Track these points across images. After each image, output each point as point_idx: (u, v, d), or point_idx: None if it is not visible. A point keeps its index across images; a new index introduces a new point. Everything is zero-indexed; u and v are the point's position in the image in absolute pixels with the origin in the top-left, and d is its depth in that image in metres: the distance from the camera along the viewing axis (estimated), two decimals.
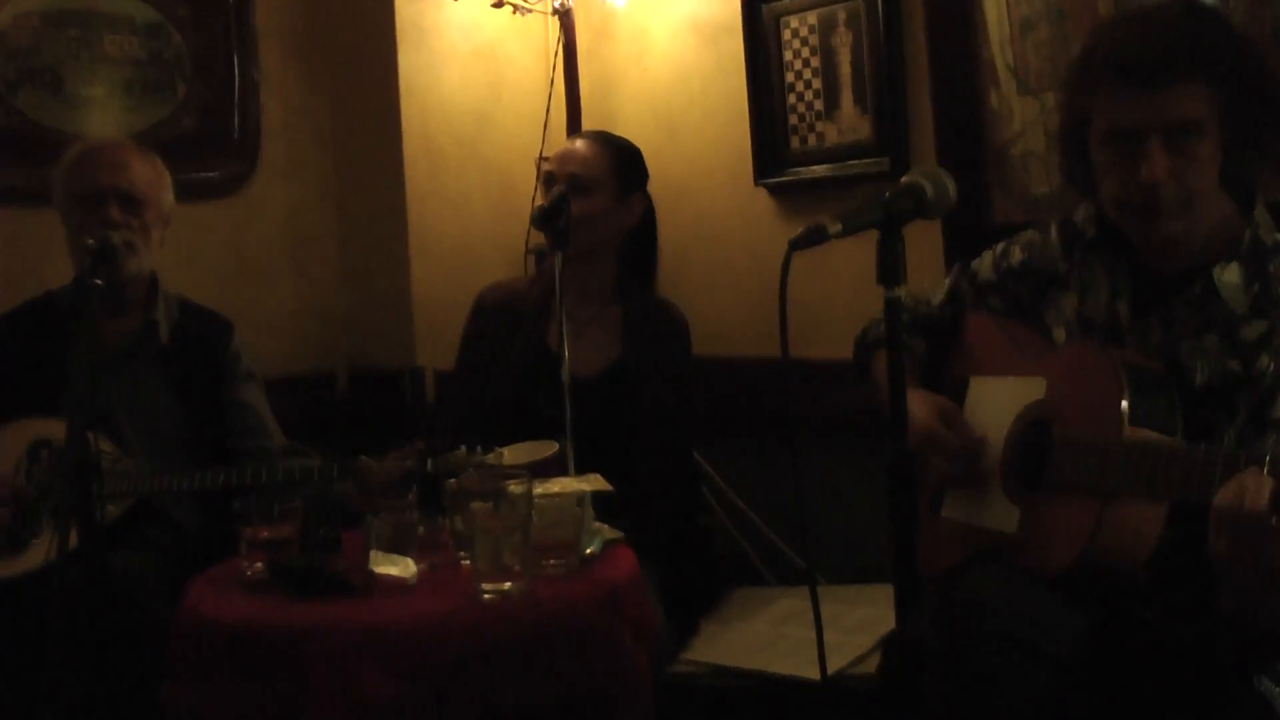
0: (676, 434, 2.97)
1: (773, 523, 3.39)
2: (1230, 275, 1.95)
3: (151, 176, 2.85)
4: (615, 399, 2.85)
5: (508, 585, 2.03)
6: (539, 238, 3.17)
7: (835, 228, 1.60)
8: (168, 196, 2.89)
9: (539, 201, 2.96)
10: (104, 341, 2.79)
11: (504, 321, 3.03)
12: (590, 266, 2.93)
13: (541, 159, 3.58)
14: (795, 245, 1.60)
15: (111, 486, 2.61)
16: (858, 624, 2.59)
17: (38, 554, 2.57)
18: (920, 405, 2.15)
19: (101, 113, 3.41)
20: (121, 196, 2.77)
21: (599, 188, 2.96)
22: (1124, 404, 1.88)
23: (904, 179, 1.68)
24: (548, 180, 2.97)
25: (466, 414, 2.95)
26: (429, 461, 2.52)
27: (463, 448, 2.52)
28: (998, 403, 2.15)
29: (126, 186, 2.78)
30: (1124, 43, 1.95)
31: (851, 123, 3.16)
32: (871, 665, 2.44)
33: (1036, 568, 1.95)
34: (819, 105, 3.22)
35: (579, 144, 3.04)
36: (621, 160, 3.03)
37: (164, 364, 2.87)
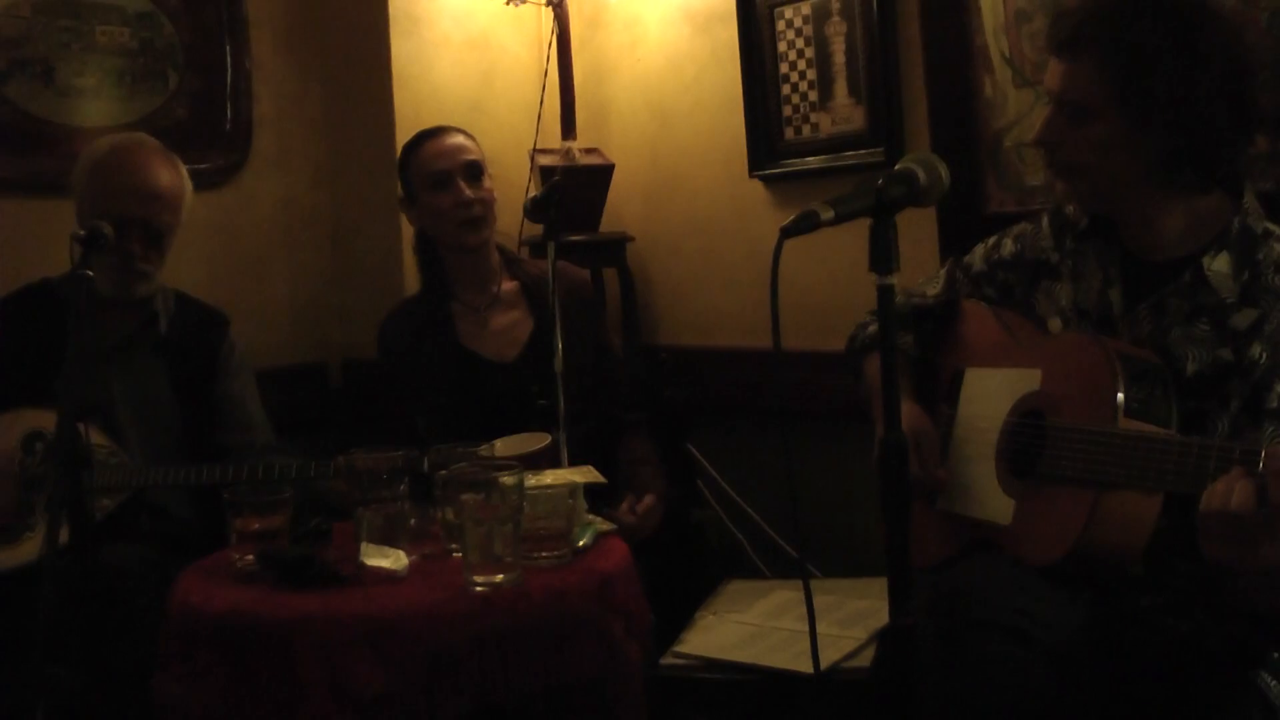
0: (613, 380, 3.00)
1: (767, 514, 3.39)
2: (1220, 264, 1.95)
3: (179, 199, 2.84)
4: (542, 370, 2.82)
5: (499, 576, 2.02)
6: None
7: (828, 214, 1.59)
8: (188, 207, 2.89)
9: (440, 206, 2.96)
10: (104, 331, 2.78)
11: (413, 338, 3.02)
12: (479, 254, 2.93)
13: (536, 151, 3.57)
14: (787, 232, 1.59)
15: (104, 480, 2.61)
16: (852, 616, 2.59)
17: (32, 546, 2.57)
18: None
19: (93, 103, 3.40)
20: (147, 230, 2.77)
21: (484, 170, 2.98)
22: (1119, 395, 1.87)
23: (897, 165, 1.67)
24: (442, 180, 2.95)
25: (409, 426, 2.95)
26: (424, 460, 2.53)
27: (457, 444, 2.53)
28: (993, 393, 2.15)
29: (155, 221, 2.79)
30: (1066, 11, 2.06)
31: (846, 113, 3.14)
32: (866, 658, 2.43)
33: (1031, 558, 1.94)
34: (813, 95, 3.21)
35: (454, 136, 3.03)
36: (477, 142, 3.07)
37: (161, 356, 2.87)
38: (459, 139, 3.02)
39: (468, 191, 2.92)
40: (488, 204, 2.95)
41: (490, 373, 2.91)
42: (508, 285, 3.02)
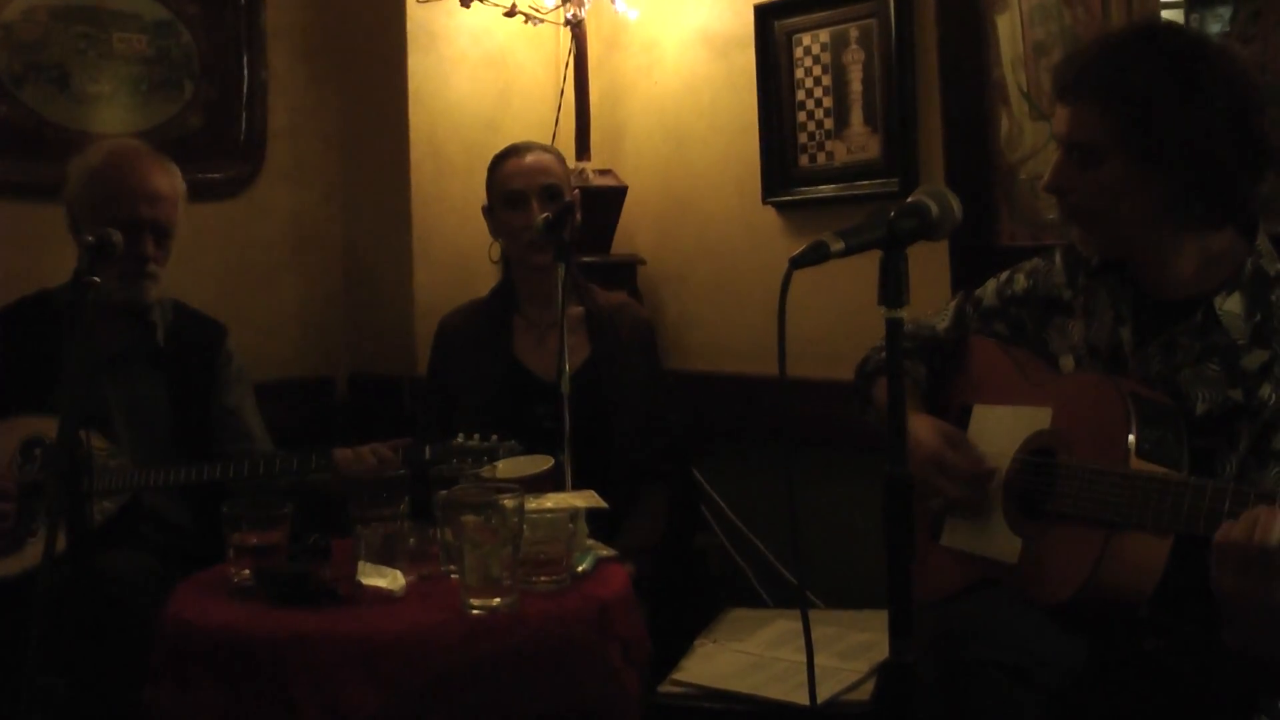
0: (656, 427, 3.00)
1: (770, 542, 3.36)
2: (1231, 304, 1.95)
3: (177, 200, 2.84)
4: (589, 399, 2.83)
5: (496, 600, 2.00)
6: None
7: (837, 246, 1.58)
8: (184, 208, 2.88)
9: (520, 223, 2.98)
10: (101, 342, 2.77)
11: (469, 341, 3.05)
12: (547, 272, 2.93)
13: None
14: (796, 263, 1.58)
15: (103, 483, 2.61)
16: (853, 649, 2.57)
17: (35, 552, 2.56)
18: (925, 429, 2.13)
19: (108, 110, 3.40)
20: (157, 230, 2.77)
21: (565, 191, 2.99)
22: (1131, 436, 1.86)
23: (909, 198, 1.65)
24: (516, 200, 2.98)
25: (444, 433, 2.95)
26: (426, 449, 2.57)
27: (460, 435, 2.57)
28: (1001, 430, 2.13)
29: (164, 221, 2.79)
30: (1069, 58, 2.07)
31: (861, 141, 3.13)
32: (865, 692, 2.41)
33: (1038, 598, 1.93)
34: (829, 123, 3.20)
35: (537, 155, 3.05)
36: (563, 160, 3.11)
37: (159, 366, 2.86)
38: (542, 159, 3.04)
39: (539, 214, 2.91)
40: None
41: (535, 389, 2.91)
42: (573, 310, 3.02)
